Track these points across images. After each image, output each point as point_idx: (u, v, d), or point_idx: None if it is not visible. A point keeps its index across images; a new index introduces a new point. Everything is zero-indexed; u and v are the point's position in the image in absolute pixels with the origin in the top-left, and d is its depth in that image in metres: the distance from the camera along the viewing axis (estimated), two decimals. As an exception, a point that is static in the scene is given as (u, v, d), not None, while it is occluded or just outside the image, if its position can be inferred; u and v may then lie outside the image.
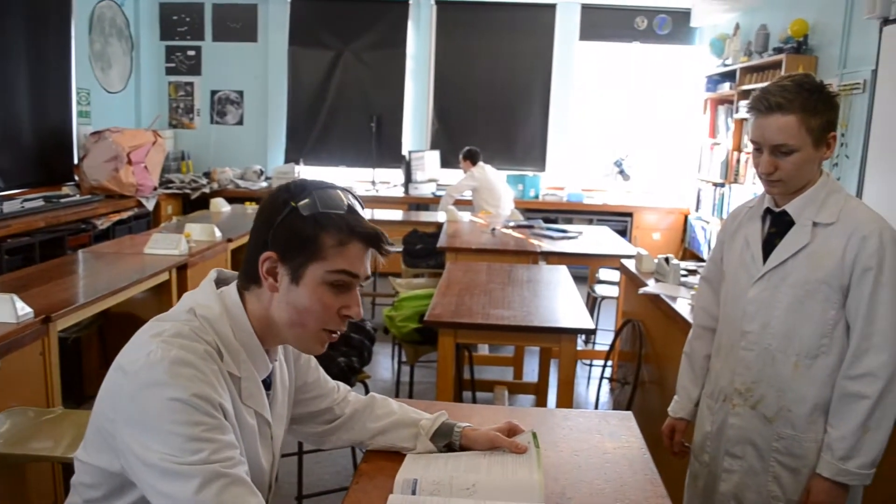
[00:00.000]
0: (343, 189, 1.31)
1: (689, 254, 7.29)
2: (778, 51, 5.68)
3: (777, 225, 1.86)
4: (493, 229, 5.27)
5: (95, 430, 1.22)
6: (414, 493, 1.42)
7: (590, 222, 6.96)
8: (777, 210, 1.85)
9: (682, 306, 3.06)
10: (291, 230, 1.26)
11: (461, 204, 6.60)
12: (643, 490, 1.51)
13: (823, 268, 1.75)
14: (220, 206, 6.16)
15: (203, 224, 4.71)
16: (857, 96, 4.84)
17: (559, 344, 2.88)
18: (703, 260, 6.83)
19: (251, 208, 6.32)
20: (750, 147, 6.08)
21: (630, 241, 7.44)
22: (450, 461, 1.53)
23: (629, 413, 1.94)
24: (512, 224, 5.55)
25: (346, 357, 3.06)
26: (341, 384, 1.66)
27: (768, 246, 1.86)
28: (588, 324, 2.85)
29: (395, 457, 1.59)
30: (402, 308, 3.61)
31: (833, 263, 1.74)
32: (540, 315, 2.96)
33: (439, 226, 5.73)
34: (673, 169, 8.18)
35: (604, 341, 4.97)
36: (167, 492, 1.09)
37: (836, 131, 1.76)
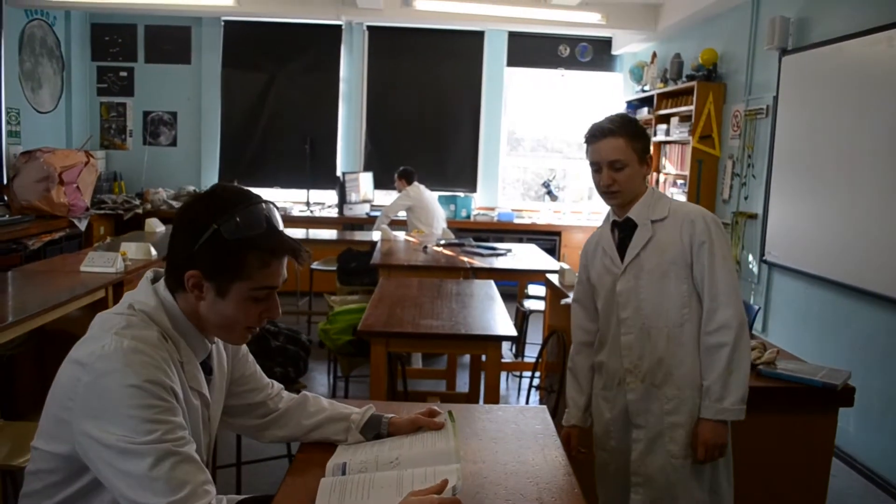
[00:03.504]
0: (261, 202, 1.42)
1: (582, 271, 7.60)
2: (690, 78, 6.07)
3: (623, 230, 2.25)
4: (426, 247, 5.46)
5: (51, 420, 1.33)
6: (344, 474, 1.58)
7: (520, 241, 7.19)
8: (621, 220, 2.25)
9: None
10: (215, 252, 1.36)
11: (395, 224, 6.76)
12: (553, 471, 1.70)
13: (669, 252, 2.15)
14: (155, 225, 6.17)
15: (138, 243, 4.75)
16: (761, 121, 5.23)
17: (486, 351, 3.07)
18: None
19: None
20: (668, 167, 6.46)
21: (559, 258, 7.73)
22: (376, 445, 1.71)
23: (543, 407, 2.14)
24: (443, 242, 5.75)
25: (283, 367, 3.20)
26: (275, 382, 1.81)
27: (622, 248, 2.24)
28: (511, 331, 3.05)
29: (329, 447, 1.74)
30: (336, 321, 3.75)
31: (675, 247, 2.14)
32: (467, 324, 3.14)
33: (373, 245, 5.88)
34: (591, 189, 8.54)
35: (533, 354, 5.19)
36: (124, 469, 1.22)
37: (650, 154, 2.24)
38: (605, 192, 2.21)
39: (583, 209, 8.38)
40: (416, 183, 6.82)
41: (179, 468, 1.24)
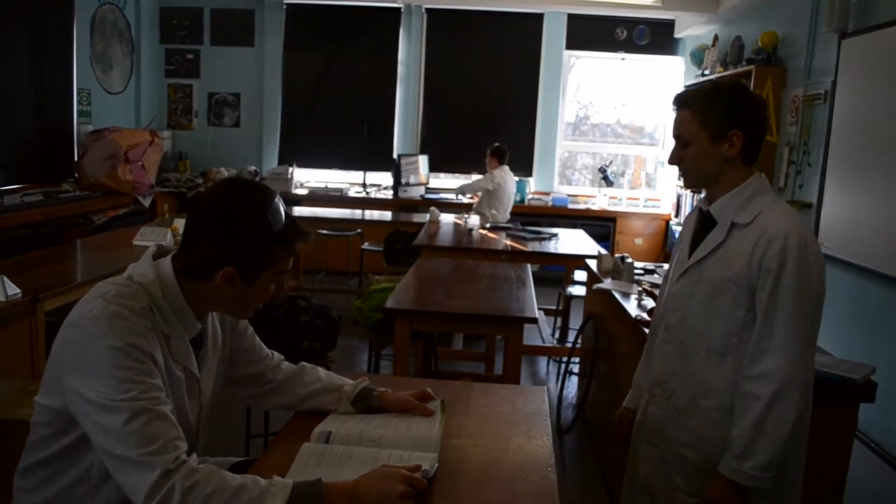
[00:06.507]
0: (270, 191, 1.54)
1: (670, 258, 7.47)
2: (750, 62, 5.89)
3: (703, 223, 1.96)
4: (471, 230, 5.48)
5: (50, 376, 1.45)
6: (327, 442, 1.64)
7: (573, 226, 7.14)
8: (705, 210, 1.95)
9: (630, 303, 3.27)
10: (255, 247, 1.49)
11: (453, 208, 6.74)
12: (534, 453, 1.72)
13: (732, 267, 1.82)
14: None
15: (182, 218, 4.93)
16: (819, 106, 5.05)
17: (508, 332, 3.09)
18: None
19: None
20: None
21: (612, 245, 7.66)
22: (365, 419, 1.76)
23: (542, 388, 2.14)
24: (488, 226, 5.76)
25: (311, 341, 3.29)
26: (275, 353, 1.89)
27: (694, 244, 1.96)
28: (532, 314, 3.06)
29: (325, 415, 1.81)
30: (370, 299, 3.82)
31: (741, 263, 1.80)
32: (490, 306, 3.17)
33: (421, 226, 5.94)
34: (656, 176, 8.41)
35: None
36: (102, 423, 1.32)
37: (745, 130, 1.83)
38: (679, 171, 1.97)
39: (640, 196, 8.25)
40: (505, 166, 6.74)
41: (153, 424, 1.32)
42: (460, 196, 6.41)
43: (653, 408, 2.03)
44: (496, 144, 6.79)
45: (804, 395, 1.76)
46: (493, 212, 6.54)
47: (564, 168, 8.87)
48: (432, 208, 6.19)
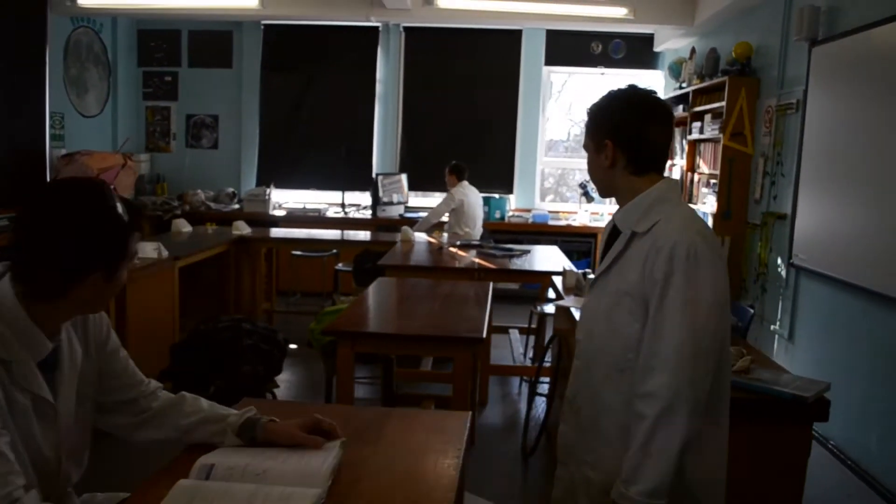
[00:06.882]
0: (99, 181, 1.49)
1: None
2: (725, 73, 5.80)
3: (612, 233, 1.87)
4: (441, 248, 5.37)
5: None
6: (207, 477, 1.51)
7: (554, 243, 7.01)
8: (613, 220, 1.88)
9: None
10: (113, 245, 1.44)
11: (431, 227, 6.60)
12: (436, 480, 1.59)
13: (628, 279, 1.71)
14: (182, 226, 6.29)
15: (151, 242, 4.83)
16: (791, 116, 4.95)
17: (455, 353, 2.96)
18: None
19: (211, 229, 6.46)
20: (701, 167, 6.07)
21: (594, 261, 7.52)
22: (257, 451, 1.62)
23: (466, 413, 2.01)
24: (458, 243, 5.65)
25: (252, 366, 3.17)
26: (152, 381, 1.75)
27: (605, 256, 1.87)
28: (479, 335, 2.92)
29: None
30: (322, 321, 3.70)
31: (635, 275, 1.68)
32: (436, 326, 3.04)
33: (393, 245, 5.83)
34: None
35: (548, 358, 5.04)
36: None
37: (615, 139, 1.75)
38: None
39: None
40: (465, 182, 6.64)
41: None
42: (422, 229, 6.24)
43: (563, 426, 1.92)
44: (454, 162, 6.70)
45: (692, 416, 1.60)
46: (467, 229, 6.42)
47: (558, 185, 8.78)
48: (404, 228, 6.08)
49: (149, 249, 4.74)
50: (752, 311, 3.51)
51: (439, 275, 4.64)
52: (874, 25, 3.94)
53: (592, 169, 1.85)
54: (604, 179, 1.84)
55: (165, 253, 4.77)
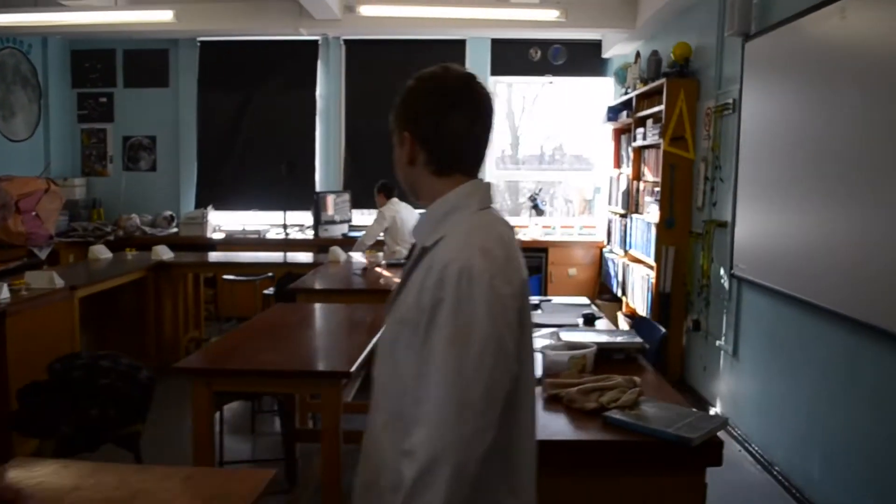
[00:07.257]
0: None
1: (605, 288, 7.00)
2: (665, 75, 5.50)
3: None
4: (364, 269, 5.03)
5: None
6: None
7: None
8: None
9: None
10: None
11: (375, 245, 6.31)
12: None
13: (405, 305, 1.38)
14: (100, 253, 5.93)
15: (43, 272, 4.48)
16: (728, 117, 4.66)
17: (321, 390, 2.61)
18: (615, 295, 6.56)
19: (131, 255, 6.11)
20: (646, 174, 5.64)
21: (545, 277, 7.18)
22: None
23: (270, 471, 1.66)
24: (384, 263, 5.31)
25: (101, 408, 2.80)
26: None
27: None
28: (343, 368, 2.57)
29: None
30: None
31: (411, 300, 1.35)
32: (301, 359, 2.69)
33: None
34: (594, 202, 7.98)
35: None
36: None
37: (413, 131, 1.44)
38: None
39: (574, 224, 7.76)
40: (395, 199, 6.38)
41: None
42: (358, 252, 5.93)
43: (355, 480, 1.51)
44: (381, 181, 6.41)
45: (456, 484, 1.21)
46: (398, 247, 6.09)
47: (507, 198, 8.47)
48: (332, 248, 5.74)
49: (41, 279, 4.39)
50: (663, 330, 3.15)
51: (351, 297, 4.30)
52: (804, 14, 3.64)
53: (396, 166, 1.52)
54: (406, 179, 1.51)
55: (60, 282, 4.41)
